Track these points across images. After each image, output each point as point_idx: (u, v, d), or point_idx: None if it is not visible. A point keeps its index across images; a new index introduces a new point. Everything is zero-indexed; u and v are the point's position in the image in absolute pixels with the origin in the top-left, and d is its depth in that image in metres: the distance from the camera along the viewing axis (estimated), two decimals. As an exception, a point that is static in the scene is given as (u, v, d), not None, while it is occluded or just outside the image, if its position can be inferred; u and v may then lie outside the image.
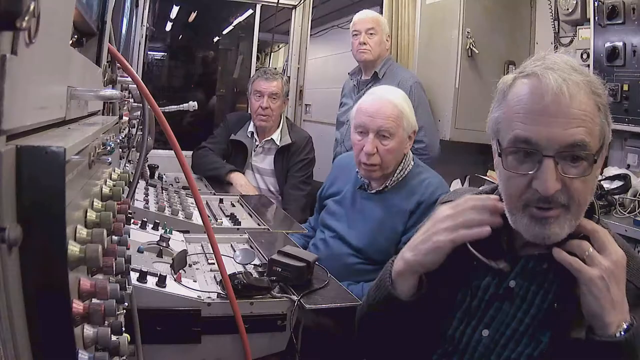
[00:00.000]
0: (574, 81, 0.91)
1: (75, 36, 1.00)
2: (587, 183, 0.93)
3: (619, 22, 2.35)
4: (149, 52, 4.19)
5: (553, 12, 2.83)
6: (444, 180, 1.98)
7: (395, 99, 1.90)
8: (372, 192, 1.95)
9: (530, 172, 0.93)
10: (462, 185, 2.89)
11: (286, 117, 3.19)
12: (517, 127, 0.94)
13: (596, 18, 2.45)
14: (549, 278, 1.03)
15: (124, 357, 0.70)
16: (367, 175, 1.92)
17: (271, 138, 3.02)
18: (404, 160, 1.93)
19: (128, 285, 1.03)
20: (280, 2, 3.78)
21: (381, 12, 3.47)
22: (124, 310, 0.91)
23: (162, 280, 1.25)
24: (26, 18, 0.39)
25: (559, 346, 0.99)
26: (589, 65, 2.52)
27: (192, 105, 2.58)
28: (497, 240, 1.03)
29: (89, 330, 0.59)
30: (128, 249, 0.91)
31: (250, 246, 1.73)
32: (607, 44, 2.40)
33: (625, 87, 2.35)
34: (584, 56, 2.60)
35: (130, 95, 1.60)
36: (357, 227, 1.92)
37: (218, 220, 1.95)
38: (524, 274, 1.05)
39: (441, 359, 1.12)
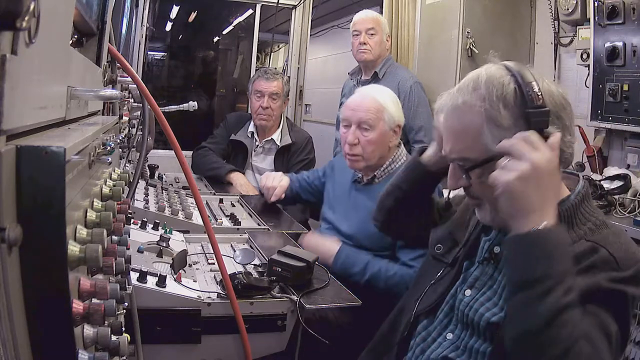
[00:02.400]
0: (453, 104, 1.05)
1: (75, 36, 1.00)
2: (488, 185, 1.00)
3: (619, 22, 2.35)
4: (149, 52, 4.19)
5: (553, 12, 2.83)
6: None
7: (377, 94, 2.00)
8: (364, 184, 2.05)
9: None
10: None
11: (286, 117, 3.19)
12: None
13: (596, 18, 2.45)
14: None
15: (124, 357, 0.70)
16: (352, 166, 2.04)
17: (271, 138, 3.02)
18: (394, 154, 2.02)
19: (128, 285, 1.03)
20: (280, 2, 3.77)
21: (381, 12, 3.47)
22: (124, 310, 0.91)
23: (162, 280, 1.25)
24: (26, 18, 0.39)
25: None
26: (588, 66, 2.52)
27: (192, 105, 2.58)
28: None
29: (89, 330, 0.60)
30: (128, 249, 0.91)
31: (250, 246, 1.73)
32: (607, 44, 2.40)
33: (625, 87, 2.35)
34: (584, 56, 2.60)
35: (130, 95, 1.60)
36: (350, 217, 2.01)
37: (218, 220, 1.95)
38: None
39: (442, 316, 1.19)
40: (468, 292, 1.14)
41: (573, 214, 1.05)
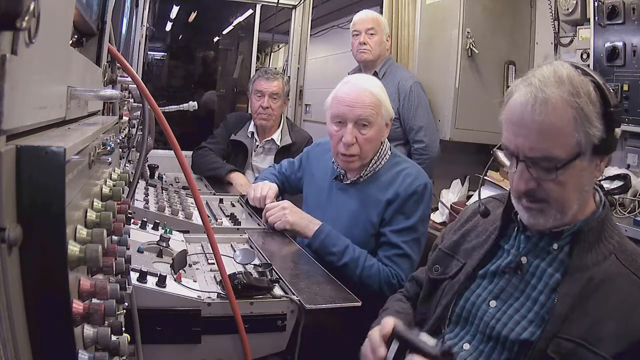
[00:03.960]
0: (543, 97, 0.98)
1: (75, 36, 1.00)
2: (562, 184, 1.01)
3: (619, 22, 2.35)
4: (149, 52, 4.19)
5: (553, 12, 2.83)
6: (422, 170, 1.93)
7: (372, 87, 1.85)
8: (347, 182, 1.92)
9: (513, 171, 1.06)
10: (462, 185, 2.88)
11: (286, 117, 3.19)
12: (504, 133, 1.07)
13: (596, 18, 2.45)
14: (557, 259, 1.06)
15: (124, 357, 0.70)
16: (345, 166, 1.89)
17: (271, 138, 3.02)
18: (380, 150, 1.90)
19: (128, 285, 1.03)
20: (280, 2, 3.77)
21: (381, 12, 3.47)
22: (124, 310, 0.91)
23: (162, 280, 1.25)
24: (26, 18, 0.39)
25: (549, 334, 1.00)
26: (588, 65, 2.52)
27: (192, 105, 2.58)
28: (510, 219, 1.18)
29: (89, 330, 0.60)
30: (128, 249, 0.91)
31: (250, 246, 1.73)
32: (607, 44, 2.40)
33: (625, 87, 2.35)
34: (584, 56, 2.60)
35: (130, 95, 1.60)
36: (332, 220, 1.87)
37: (218, 220, 1.95)
38: (535, 251, 1.10)
39: (453, 326, 1.17)
40: (493, 303, 1.11)
41: (603, 227, 1.05)
